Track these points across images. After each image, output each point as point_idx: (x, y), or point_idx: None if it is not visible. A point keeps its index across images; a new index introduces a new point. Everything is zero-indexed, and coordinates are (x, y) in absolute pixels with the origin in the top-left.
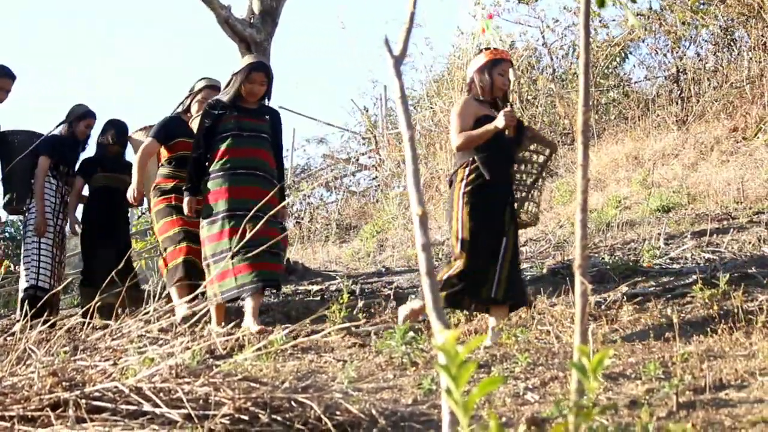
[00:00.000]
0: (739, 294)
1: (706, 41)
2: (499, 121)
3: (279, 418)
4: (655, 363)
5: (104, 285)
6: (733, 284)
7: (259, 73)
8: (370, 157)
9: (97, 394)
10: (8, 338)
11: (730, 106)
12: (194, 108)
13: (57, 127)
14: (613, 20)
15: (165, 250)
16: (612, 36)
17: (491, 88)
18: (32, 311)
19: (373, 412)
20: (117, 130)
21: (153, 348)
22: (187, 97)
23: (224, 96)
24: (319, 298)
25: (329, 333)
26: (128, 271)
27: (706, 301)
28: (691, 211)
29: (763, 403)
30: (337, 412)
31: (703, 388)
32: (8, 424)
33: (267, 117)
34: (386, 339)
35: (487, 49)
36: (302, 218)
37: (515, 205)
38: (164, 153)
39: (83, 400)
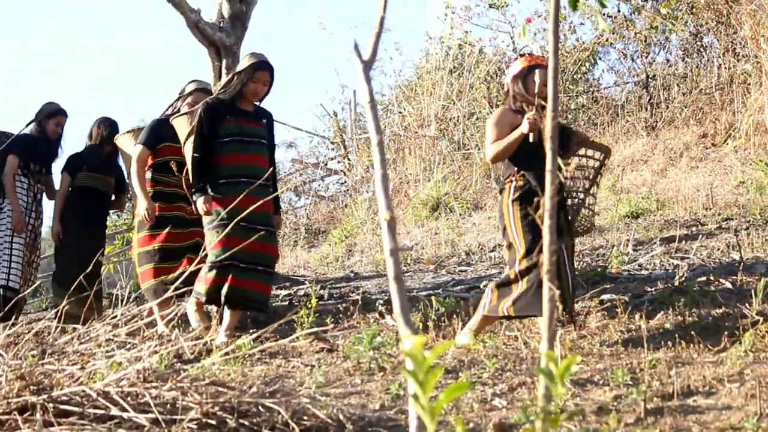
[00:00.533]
0: (707, 301)
1: (675, 47)
2: (524, 126)
3: (246, 423)
4: (623, 369)
5: (72, 289)
6: (701, 291)
7: (264, 72)
8: (339, 162)
9: (64, 398)
10: None
11: (699, 113)
12: (183, 110)
13: (27, 126)
14: (582, 23)
15: (139, 264)
16: (582, 41)
17: (527, 96)
18: (1, 313)
19: (341, 417)
20: (111, 129)
21: (121, 352)
22: (177, 100)
23: (223, 95)
24: (287, 303)
25: (297, 338)
26: (96, 277)
27: (675, 307)
28: (660, 218)
29: (731, 410)
30: (305, 417)
31: (671, 394)
32: None
33: (264, 121)
34: (354, 344)
35: (522, 55)
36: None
37: (569, 213)
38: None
39: (51, 404)
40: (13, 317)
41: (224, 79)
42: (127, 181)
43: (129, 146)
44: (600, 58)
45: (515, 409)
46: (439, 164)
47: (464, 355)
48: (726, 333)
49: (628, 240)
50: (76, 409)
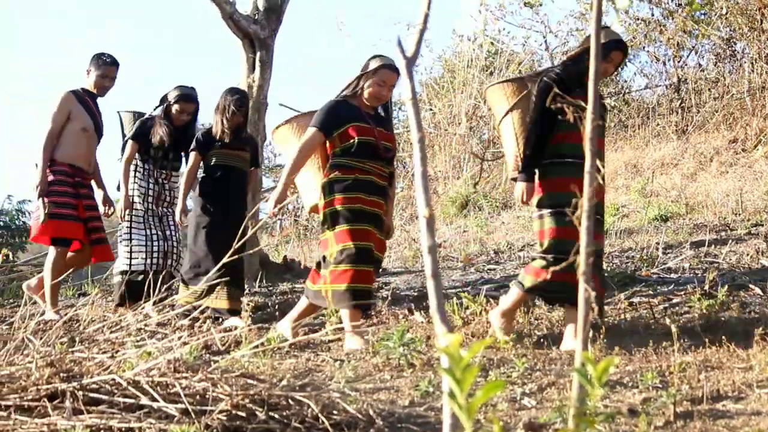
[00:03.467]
0: (737, 305)
1: (707, 51)
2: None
3: (276, 416)
4: (652, 372)
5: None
6: (731, 295)
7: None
8: None
9: (94, 386)
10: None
11: (730, 117)
12: (367, 91)
13: (155, 109)
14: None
15: (336, 263)
16: None
17: None
18: (126, 293)
19: (371, 412)
20: (240, 96)
21: (151, 342)
22: (359, 77)
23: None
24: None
25: (327, 332)
26: (237, 266)
27: (704, 311)
28: (689, 221)
29: (761, 416)
30: (335, 412)
31: (700, 398)
32: (5, 414)
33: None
34: (384, 340)
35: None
36: (299, 216)
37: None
38: (330, 144)
39: (80, 392)
40: (154, 293)
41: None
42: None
43: (290, 138)
44: (630, 61)
45: (545, 409)
46: (469, 162)
47: (494, 354)
48: (755, 338)
49: (657, 243)
50: (105, 397)
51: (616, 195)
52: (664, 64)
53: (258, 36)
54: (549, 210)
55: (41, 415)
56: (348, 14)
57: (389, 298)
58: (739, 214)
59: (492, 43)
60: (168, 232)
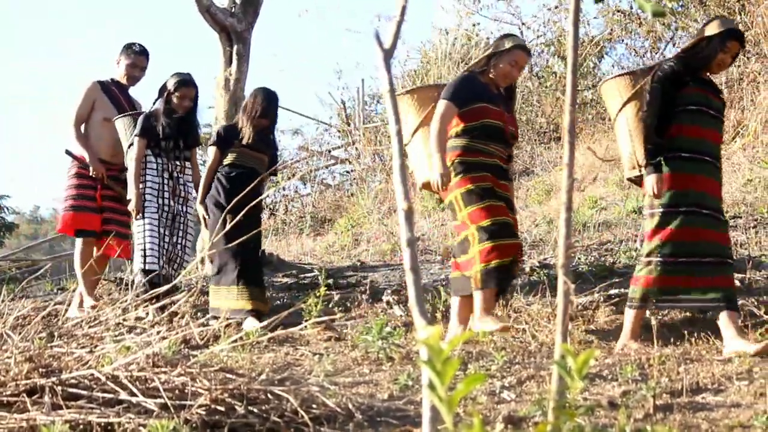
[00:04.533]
0: None
1: (684, 43)
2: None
3: (255, 410)
4: (632, 365)
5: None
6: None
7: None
8: (345, 151)
9: (73, 381)
10: None
11: None
12: (499, 70)
13: (155, 102)
14: (595, 17)
15: (480, 242)
16: (591, 35)
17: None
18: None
19: (350, 406)
20: (268, 99)
21: (130, 336)
22: (490, 57)
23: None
24: (294, 290)
25: (305, 326)
26: (257, 269)
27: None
28: None
29: (740, 408)
30: (314, 406)
31: (680, 391)
32: None
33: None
34: (362, 333)
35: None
36: (277, 210)
37: None
38: (457, 120)
39: (59, 387)
40: (167, 296)
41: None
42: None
43: (408, 109)
44: (607, 53)
45: (524, 402)
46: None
47: (473, 347)
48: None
49: (636, 235)
50: (84, 392)
51: (594, 187)
52: (642, 57)
53: (235, 29)
54: (661, 209)
55: (20, 411)
56: (326, 4)
57: (368, 291)
58: None
59: (469, 38)
60: (176, 238)
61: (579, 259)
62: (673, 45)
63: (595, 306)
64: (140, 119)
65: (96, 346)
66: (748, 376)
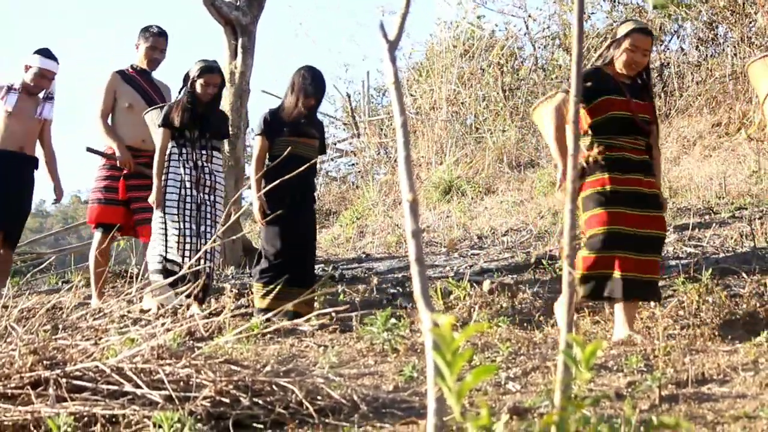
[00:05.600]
0: (720, 289)
1: (689, 35)
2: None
3: (260, 402)
4: (637, 356)
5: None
6: (715, 279)
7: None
8: (350, 143)
9: (77, 373)
10: None
11: (713, 101)
12: (620, 59)
13: (180, 91)
14: (593, 13)
15: (585, 248)
16: (596, 27)
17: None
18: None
19: (355, 397)
20: (316, 79)
21: (135, 328)
22: (609, 44)
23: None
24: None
25: (310, 318)
26: (309, 267)
27: (688, 295)
28: (672, 205)
29: (746, 399)
30: (319, 398)
31: (685, 381)
32: None
33: None
34: (368, 325)
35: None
36: None
37: None
38: (584, 116)
39: (64, 379)
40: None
41: None
42: None
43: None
44: None
45: (529, 393)
46: (452, 147)
47: (478, 338)
48: (740, 322)
49: None
50: (89, 384)
51: None
52: None
53: (240, 22)
54: None
55: (25, 403)
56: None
57: (373, 283)
58: (723, 198)
59: (473, 30)
60: (203, 228)
61: None
62: (678, 37)
63: None
64: (164, 109)
65: (101, 339)
66: (753, 366)
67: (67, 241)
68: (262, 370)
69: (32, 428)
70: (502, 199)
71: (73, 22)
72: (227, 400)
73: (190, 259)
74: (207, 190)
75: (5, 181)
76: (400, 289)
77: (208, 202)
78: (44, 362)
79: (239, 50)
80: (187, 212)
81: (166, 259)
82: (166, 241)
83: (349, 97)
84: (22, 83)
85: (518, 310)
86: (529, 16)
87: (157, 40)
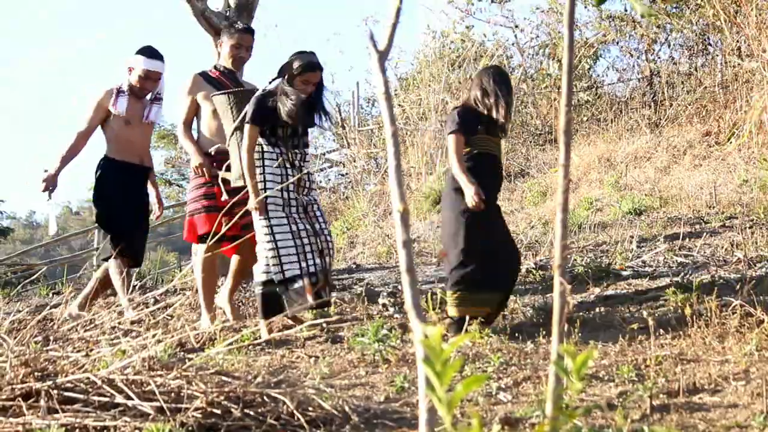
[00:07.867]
0: (712, 298)
1: (680, 45)
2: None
3: (251, 413)
4: (628, 366)
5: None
6: (705, 288)
7: None
8: (340, 154)
9: (69, 384)
10: None
11: (703, 111)
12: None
13: (272, 82)
14: (589, 21)
15: None
16: (585, 37)
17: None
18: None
19: (346, 408)
20: (507, 81)
21: (126, 340)
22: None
23: None
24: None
25: (302, 328)
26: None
27: (679, 304)
28: (663, 215)
29: (737, 408)
30: (310, 408)
31: (676, 391)
32: None
33: None
34: (359, 336)
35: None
36: None
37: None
38: None
39: (55, 391)
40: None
41: None
42: None
43: None
44: (601, 56)
45: (520, 404)
46: (441, 157)
47: (469, 348)
48: (731, 331)
49: (631, 237)
50: (80, 396)
51: (590, 189)
52: (637, 58)
53: None
54: None
55: (16, 415)
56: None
57: (363, 293)
58: (713, 207)
59: (462, 41)
60: (318, 226)
61: (575, 260)
62: (668, 46)
63: (591, 307)
64: (252, 102)
65: (92, 350)
66: (745, 376)
67: (58, 252)
68: (253, 381)
69: None
70: None
71: (73, 21)
72: (218, 412)
73: (313, 259)
74: (306, 191)
75: (127, 196)
76: (392, 300)
77: (312, 201)
78: (35, 374)
79: None
80: (295, 214)
81: (284, 279)
82: (279, 255)
83: (339, 107)
84: (129, 85)
85: (509, 320)
86: (517, 26)
87: (242, 37)
